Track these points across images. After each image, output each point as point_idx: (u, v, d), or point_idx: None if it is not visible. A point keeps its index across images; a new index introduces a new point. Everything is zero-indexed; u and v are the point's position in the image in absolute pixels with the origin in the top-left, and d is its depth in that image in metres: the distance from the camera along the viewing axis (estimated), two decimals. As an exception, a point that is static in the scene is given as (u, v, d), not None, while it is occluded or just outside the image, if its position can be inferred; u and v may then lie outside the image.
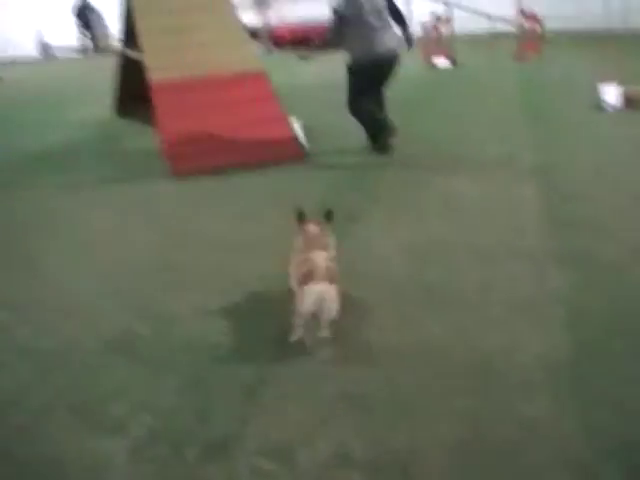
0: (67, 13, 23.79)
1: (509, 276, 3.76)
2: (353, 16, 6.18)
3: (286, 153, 6.63)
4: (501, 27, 19.41)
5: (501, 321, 3.31)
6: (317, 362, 3.05)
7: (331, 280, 3.04)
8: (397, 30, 6.44)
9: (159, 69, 6.87)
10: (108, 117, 9.77)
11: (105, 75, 15.88)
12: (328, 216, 3.48)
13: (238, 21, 7.72)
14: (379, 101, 6.67)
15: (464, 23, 18.02)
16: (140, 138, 8.20)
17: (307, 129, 7.17)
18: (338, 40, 6.29)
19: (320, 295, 3.00)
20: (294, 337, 3.18)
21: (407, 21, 6.49)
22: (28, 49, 24.06)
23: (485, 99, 9.72)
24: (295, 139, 6.82)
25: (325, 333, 3.18)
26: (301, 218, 3.49)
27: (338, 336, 3.20)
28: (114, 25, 21.43)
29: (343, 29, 6.22)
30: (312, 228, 3.45)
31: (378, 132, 6.62)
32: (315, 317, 3.10)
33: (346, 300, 3.31)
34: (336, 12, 6.20)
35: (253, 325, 3.38)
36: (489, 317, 3.35)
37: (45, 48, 24.86)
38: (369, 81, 6.42)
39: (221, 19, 7.56)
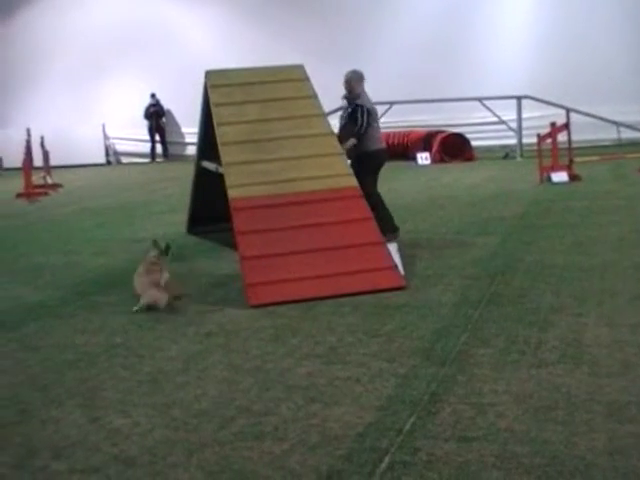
0: (137, 116, 25.22)
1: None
2: (374, 111, 8.79)
3: (383, 283, 6.71)
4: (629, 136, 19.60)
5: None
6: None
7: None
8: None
9: (240, 186, 7.21)
10: (178, 233, 10.19)
11: (173, 185, 16.74)
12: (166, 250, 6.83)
13: (329, 130, 8.03)
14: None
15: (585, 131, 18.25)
16: (213, 260, 8.53)
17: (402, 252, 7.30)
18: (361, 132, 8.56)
19: None
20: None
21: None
22: (95, 154, 25.45)
23: (612, 222, 9.66)
24: (394, 267, 6.91)
25: None
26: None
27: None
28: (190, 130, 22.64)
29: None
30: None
31: (389, 216, 8.59)
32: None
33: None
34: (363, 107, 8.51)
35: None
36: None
37: (111, 152, 26.28)
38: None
39: (308, 128, 7.90)
